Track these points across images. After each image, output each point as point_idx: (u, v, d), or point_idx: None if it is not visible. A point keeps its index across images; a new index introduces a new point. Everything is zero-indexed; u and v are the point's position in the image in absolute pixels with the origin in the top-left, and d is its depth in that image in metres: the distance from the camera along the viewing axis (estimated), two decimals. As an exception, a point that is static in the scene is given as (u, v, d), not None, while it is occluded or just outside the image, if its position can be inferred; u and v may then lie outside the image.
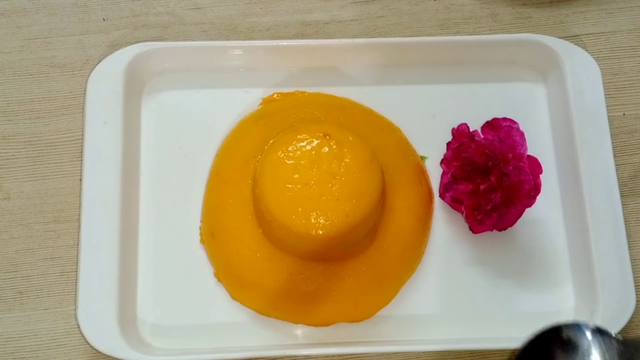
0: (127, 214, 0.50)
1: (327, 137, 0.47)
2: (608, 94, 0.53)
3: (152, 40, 0.54)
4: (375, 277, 0.49)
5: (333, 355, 0.49)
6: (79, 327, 0.47)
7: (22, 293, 0.50)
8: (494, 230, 0.51)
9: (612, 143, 0.51)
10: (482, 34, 0.56)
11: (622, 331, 0.47)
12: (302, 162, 0.46)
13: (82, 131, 0.51)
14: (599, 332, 0.39)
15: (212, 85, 0.54)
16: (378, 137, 0.52)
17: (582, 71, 0.52)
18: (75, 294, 0.48)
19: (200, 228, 0.51)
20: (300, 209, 0.45)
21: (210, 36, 0.56)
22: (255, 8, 0.57)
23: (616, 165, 0.51)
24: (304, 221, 0.45)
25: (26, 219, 0.51)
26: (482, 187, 0.49)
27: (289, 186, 0.46)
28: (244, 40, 0.56)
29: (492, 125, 0.52)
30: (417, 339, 0.49)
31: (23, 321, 0.50)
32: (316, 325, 0.49)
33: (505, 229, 0.50)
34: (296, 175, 0.46)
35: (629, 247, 0.49)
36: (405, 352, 0.49)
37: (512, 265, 0.51)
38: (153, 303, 0.50)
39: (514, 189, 0.49)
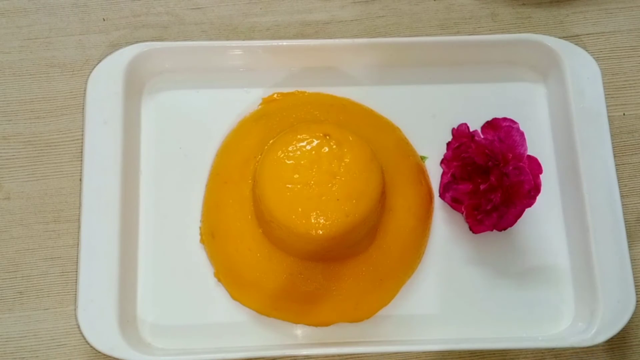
0: (127, 213, 0.50)
1: (327, 137, 0.47)
2: (608, 94, 0.53)
3: (152, 40, 0.54)
4: (375, 277, 0.49)
5: (333, 355, 0.49)
6: (79, 327, 0.47)
7: (22, 293, 0.50)
8: (494, 230, 0.51)
9: (612, 143, 0.51)
10: (482, 34, 0.56)
11: (622, 331, 0.48)
12: (302, 162, 0.46)
13: (82, 131, 0.51)
14: None
15: (212, 85, 0.54)
16: (378, 137, 0.52)
17: (582, 71, 0.52)
18: (75, 294, 0.48)
19: (200, 228, 0.51)
20: (300, 209, 0.45)
21: (210, 36, 0.56)
22: (255, 8, 0.57)
23: (616, 165, 0.51)
24: (304, 221, 0.45)
25: (26, 219, 0.51)
26: (482, 187, 0.49)
27: (289, 186, 0.46)
28: (244, 40, 0.56)
29: (492, 125, 0.52)
30: (417, 339, 0.49)
31: (23, 321, 0.50)
32: (316, 325, 0.49)
33: (505, 229, 0.50)
34: (296, 175, 0.46)
35: (629, 247, 0.49)
36: (405, 352, 0.49)
37: (512, 265, 0.51)
38: (153, 303, 0.50)
39: (514, 189, 0.49)
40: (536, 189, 0.49)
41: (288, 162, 0.47)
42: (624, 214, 0.50)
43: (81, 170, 0.50)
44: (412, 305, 0.50)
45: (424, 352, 0.49)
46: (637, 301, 0.48)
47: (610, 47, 0.56)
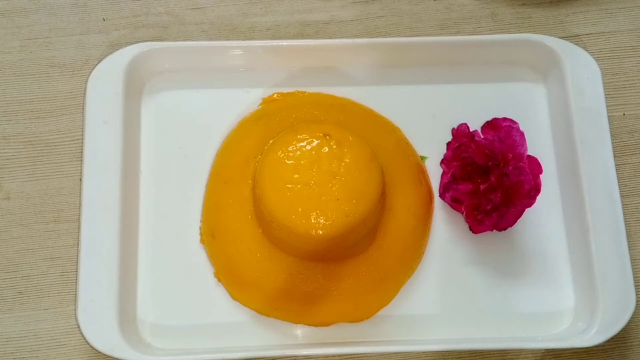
0: (127, 213, 0.50)
1: (327, 137, 0.47)
2: (608, 94, 0.53)
3: (152, 40, 0.54)
4: (375, 277, 0.49)
5: (333, 355, 0.49)
6: (79, 327, 0.47)
7: (22, 293, 0.50)
8: (494, 230, 0.51)
9: (612, 143, 0.51)
10: (482, 34, 0.56)
11: (622, 331, 0.48)
12: (302, 162, 0.46)
13: (82, 131, 0.51)
14: None
15: (212, 85, 0.54)
16: (378, 137, 0.52)
17: (582, 71, 0.52)
18: (75, 294, 0.48)
19: (200, 228, 0.51)
20: (300, 209, 0.45)
21: (210, 36, 0.56)
22: (255, 8, 0.57)
23: (616, 165, 0.51)
24: (303, 221, 0.45)
25: (26, 219, 0.51)
26: (482, 187, 0.49)
27: (289, 186, 0.46)
28: (244, 40, 0.56)
29: (492, 125, 0.52)
30: (417, 339, 0.49)
31: (23, 321, 0.50)
32: (316, 325, 0.49)
33: (505, 229, 0.50)
34: (296, 175, 0.46)
35: (629, 247, 0.49)
36: (405, 352, 0.49)
37: (512, 265, 0.51)
38: (153, 303, 0.50)
39: (514, 189, 0.49)
40: (536, 189, 0.49)
41: (288, 162, 0.47)
42: (624, 214, 0.50)
43: (81, 170, 0.50)
44: (412, 305, 0.50)
45: (424, 352, 0.49)
46: (637, 301, 0.48)
47: (610, 47, 0.56)
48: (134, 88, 0.53)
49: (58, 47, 0.55)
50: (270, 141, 0.49)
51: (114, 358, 0.46)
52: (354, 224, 0.46)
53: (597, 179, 0.50)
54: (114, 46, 0.55)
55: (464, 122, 0.52)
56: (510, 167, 0.48)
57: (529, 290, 0.50)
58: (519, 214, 0.49)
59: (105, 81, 0.51)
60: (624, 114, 0.55)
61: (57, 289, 0.50)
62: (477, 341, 0.48)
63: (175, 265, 0.50)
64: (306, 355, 0.49)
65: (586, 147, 0.51)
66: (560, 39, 0.53)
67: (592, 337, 0.47)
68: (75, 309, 0.47)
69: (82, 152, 0.50)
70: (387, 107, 0.54)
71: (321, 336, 0.49)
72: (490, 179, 0.48)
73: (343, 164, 0.46)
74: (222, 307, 0.49)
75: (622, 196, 0.50)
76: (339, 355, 0.49)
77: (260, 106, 0.54)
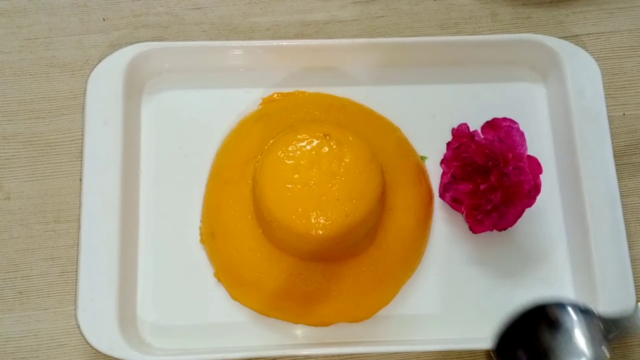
0: (127, 214, 0.50)
1: (327, 137, 0.47)
2: (608, 94, 0.53)
3: (152, 40, 0.54)
4: (375, 277, 0.49)
5: (333, 355, 0.49)
6: (79, 327, 0.47)
7: (22, 293, 0.50)
8: (494, 230, 0.51)
9: (612, 143, 0.51)
10: (482, 34, 0.56)
11: (622, 331, 0.48)
12: (302, 162, 0.46)
13: (82, 131, 0.51)
14: (582, 310, 0.40)
15: (212, 85, 0.54)
16: (378, 137, 0.52)
17: (582, 71, 0.52)
18: (75, 294, 0.48)
19: (200, 228, 0.51)
20: (300, 209, 0.45)
21: (210, 36, 0.56)
22: (255, 8, 0.57)
23: (616, 165, 0.51)
24: (304, 221, 0.45)
25: (26, 219, 0.51)
26: (482, 187, 0.49)
27: (289, 186, 0.46)
28: (244, 40, 0.56)
29: (492, 125, 0.52)
30: (417, 339, 0.49)
31: (23, 321, 0.50)
32: (316, 325, 0.49)
33: (505, 229, 0.50)
34: (296, 175, 0.46)
35: (629, 247, 0.49)
36: (405, 352, 0.49)
37: (512, 265, 0.51)
38: (153, 303, 0.50)
39: (514, 189, 0.49)
40: (536, 189, 0.49)
41: (288, 162, 0.47)
42: (624, 214, 0.50)
43: (81, 170, 0.50)
44: (412, 305, 0.50)
45: (424, 352, 0.49)
46: (637, 301, 0.48)
47: (610, 47, 0.56)
48: (134, 88, 0.53)
49: (58, 47, 0.55)
50: (270, 141, 0.49)
51: (114, 358, 0.46)
52: (354, 224, 0.46)
53: (597, 179, 0.50)
54: (114, 46, 0.55)
55: (464, 122, 0.52)
56: (510, 167, 0.48)
57: (529, 290, 0.50)
58: (519, 214, 0.49)
59: (105, 81, 0.51)
60: (624, 114, 0.55)
61: (57, 289, 0.50)
62: (477, 341, 0.48)
63: (175, 265, 0.50)
64: (306, 355, 0.49)
65: (586, 147, 0.51)
66: (560, 39, 0.53)
67: (592, 337, 0.47)
68: (75, 309, 0.47)
69: (82, 152, 0.50)
70: (387, 107, 0.54)
71: (321, 336, 0.49)
72: (490, 179, 0.48)
73: (343, 164, 0.46)
74: (222, 307, 0.49)
75: (622, 196, 0.50)
76: (339, 355, 0.49)
77: (260, 106, 0.54)
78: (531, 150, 0.50)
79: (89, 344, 0.47)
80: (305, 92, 0.54)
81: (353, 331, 0.49)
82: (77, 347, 0.49)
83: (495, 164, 0.49)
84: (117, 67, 0.51)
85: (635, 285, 0.48)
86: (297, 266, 0.48)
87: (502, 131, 0.51)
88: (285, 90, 0.54)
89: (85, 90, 0.51)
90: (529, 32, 0.56)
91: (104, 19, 0.56)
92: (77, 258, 0.48)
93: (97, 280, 0.47)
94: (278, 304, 0.49)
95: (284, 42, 0.53)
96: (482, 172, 0.49)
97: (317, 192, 0.46)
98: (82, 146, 0.51)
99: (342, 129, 0.48)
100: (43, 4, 0.56)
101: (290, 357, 0.49)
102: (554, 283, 0.50)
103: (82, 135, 0.51)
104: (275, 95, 0.54)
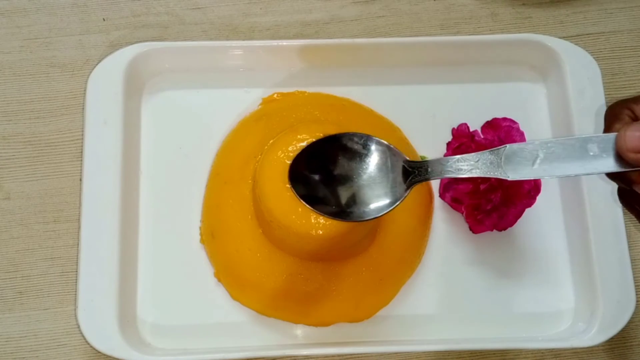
0: (127, 213, 0.50)
1: (327, 137, 0.47)
2: (608, 94, 0.53)
3: (152, 40, 0.54)
4: (375, 277, 0.49)
5: (333, 355, 0.49)
6: (79, 327, 0.47)
7: (22, 293, 0.50)
8: (494, 230, 0.51)
9: (612, 143, 0.51)
10: (482, 34, 0.56)
11: (622, 331, 0.48)
12: (302, 161, 0.46)
13: (82, 131, 0.51)
14: (389, 148, 0.42)
15: (212, 85, 0.54)
16: (378, 137, 0.51)
17: (582, 71, 0.52)
18: (75, 294, 0.48)
19: (200, 228, 0.51)
20: (299, 209, 0.45)
21: (210, 36, 0.56)
22: (255, 8, 0.57)
23: (616, 165, 0.51)
24: (303, 221, 0.45)
25: (26, 219, 0.51)
26: (482, 187, 0.49)
27: (289, 186, 0.46)
28: (244, 40, 0.56)
29: (492, 125, 0.52)
30: (417, 339, 0.49)
31: (23, 321, 0.50)
32: (316, 325, 0.49)
33: (505, 229, 0.50)
34: (296, 175, 0.46)
35: (629, 247, 0.49)
36: (405, 352, 0.49)
37: (512, 265, 0.51)
38: (153, 303, 0.50)
39: (514, 189, 0.49)
40: (536, 189, 0.49)
41: (288, 162, 0.46)
42: (624, 214, 0.50)
43: (81, 170, 0.50)
44: (412, 305, 0.50)
45: (424, 352, 0.49)
46: (637, 301, 0.48)
47: (610, 47, 0.56)
48: (134, 88, 0.53)
49: (58, 47, 0.55)
50: (270, 141, 0.49)
51: (114, 358, 0.46)
52: (354, 224, 0.46)
53: (597, 179, 0.50)
54: (114, 46, 0.55)
55: (464, 122, 0.52)
56: (510, 167, 0.48)
57: (529, 290, 0.50)
58: (519, 214, 0.49)
59: (105, 81, 0.51)
60: (624, 114, 0.55)
61: (57, 289, 0.50)
62: (477, 341, 0.48)
63: (175, 265, 0.50)
64: (306, 355, 0.49)
65: (586, 147, 0.50)
66: (560, 39, 0.53)
67: (592, 337, 0.47)
68: (75, 309, 0.47)
69: (82, 152, 0.50)
70: (387, 107, 0.54)
71: (321, 336, 0.49)
72: (490, 179, 0.48)
73: (342, 163, 0.46)
74: (222, 307, 0.49)
75: (622, 196, 0.50)
76: (339, 355, 0.49)
77: (260, 106, 0.54)
78: (531, 150, 0.50)
79: (89, 344, 0.47)
80: (305, 92, 0.54)
81: (353, 331, 0.49)
82: (77, 347, 0.49)
83: (495, 164, 0.49)
84: (117, 67, 0.51)
85: (635, 285, 0.48)
86: (297, 266, 0.48)
87: (502, 131, 0.51)
88: (285, 90, 0.54)
89: (85, 90, 0.51)
90: (529, 32, 0.56)
91: (104, 19, 0.56)
92: (77, 258, 0.48)
93: (97, 280, 0.47)
94: (278, 304, 0.49)
95: (284, 42, 0.53)
96: (482, 172, 0.49)
97: (316, 192, 0.46)
98: (82, 146, 0.51)
99: (341, 128, 0.48)
100: (43, 4, 0.56)
101: (290, 357, 0.49)
102: (554, 283, 0.50)
103: (82, 135, 0.51)
104: (275, 95, 0.54)
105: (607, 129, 0.38)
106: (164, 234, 0.51)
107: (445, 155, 0.52)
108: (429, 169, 0.41)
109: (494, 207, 0.49)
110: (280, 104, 0.53)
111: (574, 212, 0.51)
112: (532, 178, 0.38)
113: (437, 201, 0.52)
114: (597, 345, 0.48)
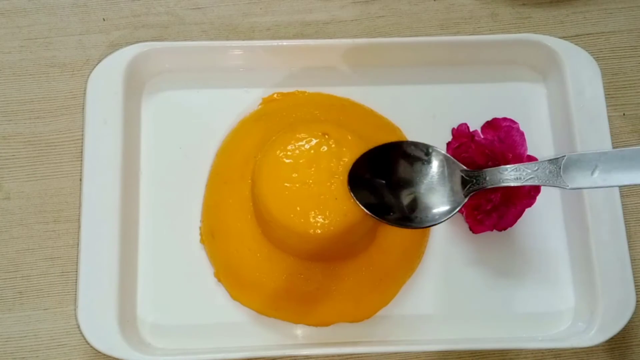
0: (127, 213, 0.50)
1: (326, 136, 0.47)
2: (608, 94, 0.53)
3: (152, 40, 0.54)
4: (375, 277, 0.49)
5: (333, 355, 0.49)
6: (79, 327, 0.47)
7: (22, 293, 0.50)
8: (494, 230, 0.51)
9: (612, 143, 0.51)
10: (482, 34, 0.56)
11: (622, 331, 0.48)
12: (301, 161, 0.46)
13: (82, 131, 0.51)
14: (446, 156, 0.43)
15: (212, 85, 0.54)
16: (378, 137, 0.52)
17: (582, 71, 0.52)
18: (75, 294, 0.48)
19: (200, 228, 0.51)
20: (298, 208, 0.45)
21: (210, 36, 0.56)
22: (255, 8, 0.57)
23: (616, 165, 0.51)
24: (302, 220, 0.45)
25: (26, 219, 0.51)
26: (482, 187, 0.49)
27: (288, 185, 0.46)
28: (244, 40, 0.56)
29: (492, 125, 0.52)
30: (417, 339, 0.49)
31: (23, 321, 0.50)
32: (316, 325, 0.49)
33: (505, 229, 0.50)
34: (295, 174, 0.46)
35: (629, 247, 0.49)
36: (405, 352, 0.49)
37: (512, 265, 0.51)
38: (153, 303, 0.50)
39: (514, 189, 0.49)
40: (536, 189, 0.49)
41: (287, 161, 0.47)
42: (624, 214, 0.50)
43: (81, 170, 0.50)
44: (412, 305, 0.50)
45: (424, 352, 0.49)
46: (637, 301, 0.48)
47: (610, 47, 0.56)
48: (134, 88, 0.53)
49: (58, 47, 0.55)
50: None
51: (114, 358, 0.46)
52: (353, 223, 0.46)
53: (597, 178, 0.50)
54: (114, 46, 0.55)
55: (464, 122, 0.52)
56: (510, 167, 0.48)
57: (529, 290, 0.50)
58: (519, 214, 0.49)
59: (105, 81, 0.51)
60: (624, 114, 0.55)
61: (57, 289, 0.50)
62: (477, 341, 0.48)
63: (175, 265, 0.50)
64: (306, 355, 0.49)
65: (586, 147, 0.50)
66: (560, 39, 0.53)
67: (592, 337, 0.47)
68: (75, 309, 0.47)
69: (82, 152, 0.50)
70: (387, 107, 0.54)
71: (321, 336, 0.49)
72: (490, 179, 0.48)
73: (342, 162, 0.46)
74: (222, 307, 0.49)
75: (622, 196, 0.50)
76: (339, 355, 0.49)
77: (260, 106, 0.54)
78: (531, 150, 0.50)
79: (89, 344, 0.47)
80: (305, 92, 0.54)
81: (353, 331, 0.49)
82: (77, 347, 0.49)
83: (496, 164, 0.49)
84: (117, 67, 0.51)
85: (635, 285, 0.48)
86: (297, 266, 0.48)
87: (502, 131, 0.51)
88: (285, 90, 0.54)
89: (85, 90, 0.51)
90: (529, 32, 0.56)
91: (104, 19, 0.56)
92: (77, 258, 0.48)
93: (97, 280, 0.47)
94: (278, 304, 0.49)
95: (284, 42, 0.53)
96: (482, 172, 0.49)
97: (315, 191, 0.46)
98: (82, 146, 0.51)
99: (340, 128, 0.48)
100: (43, 4, 0.56)
101: (290, 357, 0.49)
102: (554, 283, 0.50)
103: (82, 135, 0.51)
104: (275, 95, 0.54)
105: None
106: (164, 233, 0.51)
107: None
108: (487, 178, 0.43)
109: (493, 207, 0.49)
110: (280, 104, 0.53)
111: (574, 212, 0.51)
112: (590, 187, 0.39)
113: (437, 201, 0.52)
114: (597, 345, 0.48)
